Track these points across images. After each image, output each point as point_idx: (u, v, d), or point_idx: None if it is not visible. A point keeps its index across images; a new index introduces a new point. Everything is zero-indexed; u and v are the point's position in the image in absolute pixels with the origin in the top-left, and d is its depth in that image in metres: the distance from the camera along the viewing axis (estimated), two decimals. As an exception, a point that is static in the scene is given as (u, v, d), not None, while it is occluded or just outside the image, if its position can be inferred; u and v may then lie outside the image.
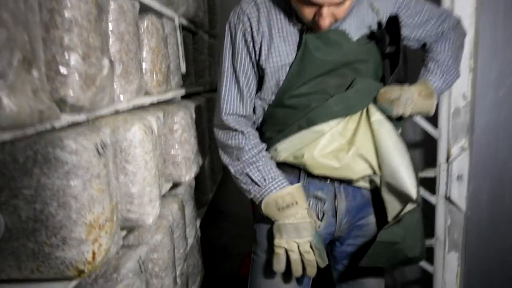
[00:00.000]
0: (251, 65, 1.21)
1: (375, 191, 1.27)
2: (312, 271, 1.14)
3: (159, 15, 1.47)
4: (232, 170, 1.21)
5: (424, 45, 1.31)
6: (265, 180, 1.17)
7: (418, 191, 1.17)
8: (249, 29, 1.18)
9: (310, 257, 1.12)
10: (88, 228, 0.79)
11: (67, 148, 0.74)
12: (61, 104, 0.76)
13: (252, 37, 1.18)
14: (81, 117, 0.85)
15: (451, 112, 1.75)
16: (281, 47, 1.17)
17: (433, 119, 1.78)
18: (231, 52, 1.21)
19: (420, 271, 2.05)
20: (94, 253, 0.80)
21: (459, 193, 1.79)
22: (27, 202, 0.74)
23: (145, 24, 1.29)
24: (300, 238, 1.12)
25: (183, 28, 1.90)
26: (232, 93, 1.21)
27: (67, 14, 0.74)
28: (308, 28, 1.15)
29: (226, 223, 2.99)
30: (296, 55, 1.16)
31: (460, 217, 1.81)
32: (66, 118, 0.79)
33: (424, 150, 2.00)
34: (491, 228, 1.77)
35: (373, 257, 1.16)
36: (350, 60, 1.17)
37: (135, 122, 1.01)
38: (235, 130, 1.19)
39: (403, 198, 1.18)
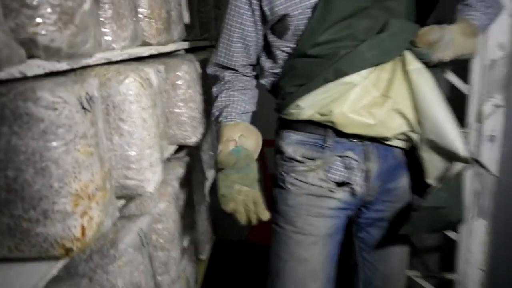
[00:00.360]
0: (251, 15, 1.08)
1: (408, 152, 1.15)
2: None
3: (157, -46, 1.28)
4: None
5: None
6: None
7: (466, 148, 1.04)
8: None
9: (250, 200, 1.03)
10: (75, 198, 0.65)
11: (41, 102, 0.59)
12: (32, 46, 0.60)
13: None
14: (62, 66, 0.69)
15: (485, 64, 1.57)
16: None
17: (463, 73, 1.60)
18: (231, 2, 1.09)
19: (441, 238, 1.93)
20: (83, 228, 0.67)
21: (491, 155, 1.63)
22: (-5, 168, 0.60)
23: (140, -40, 1.11)
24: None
25: (185, -27, 1.70)
26: (227, 44, 1.13)
27: None
28: None
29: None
30: None
31: (490, 181, 1.67)
32: (42, 65, 0.64)
33: (451, 107, 1.83)
34: (525, 193, 1.63)
35: (416, 224, 1.06)
36: None
37: (129, 73, 0.86)
38: (217, 78, 1.18)
39: (449, 156, 1.05)
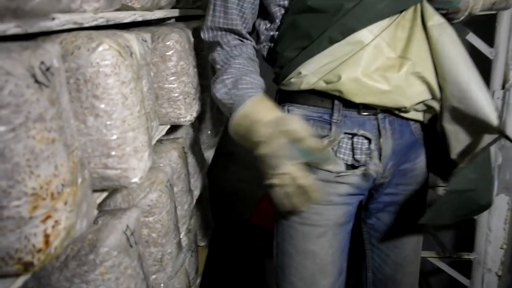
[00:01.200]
0: None
1: (426, 126, 1.00)
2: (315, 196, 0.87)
3: None
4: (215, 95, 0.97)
5: None
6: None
7: (498, 116, 0.90)
8: None
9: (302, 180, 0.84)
10: (32, 199, 0.50)
11: (-27, 74, 0.44)
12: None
13: None
14: (9, 28, 0.53)
15: (512, 25, 1.41)
16: None
17: (488, 36, 1.44)
18: None
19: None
20: (46, 236, 0.52)
21: (517, 125, 1.49)
22: None
23: None
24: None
25: None
26: (223, 2, 0.99)
27: None
28: None
29: (235, 165, 2.75)
30: None
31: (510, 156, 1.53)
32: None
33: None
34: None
35: (439, 211, 0.92)
36: None
37: (103, 39, 0.69)
38: (216, 44, 1.03)
39: (478, 126, 0.91)
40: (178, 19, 1.48)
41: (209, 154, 1.78)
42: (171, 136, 1.29)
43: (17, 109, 0.48)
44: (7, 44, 0.51)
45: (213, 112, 1.82)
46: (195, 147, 1.47)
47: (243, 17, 1.00)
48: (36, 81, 0.50)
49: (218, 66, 1.01)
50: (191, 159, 1.37)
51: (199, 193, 1.46)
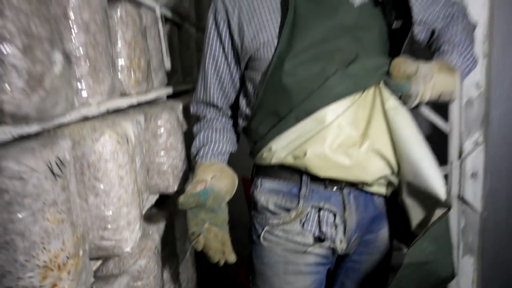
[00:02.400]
0: (222, 51, 1.10)
1: (389, 199, 1.09)
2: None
3: (137, 4, 1.29)
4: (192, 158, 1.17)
5: (432, 34, 1.14)
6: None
7: (447, 191, 0.97)
8: (222, 12, 1.06)
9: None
10: (43, 271, 0.61)
11: (6, 172, 0.57)
12: (-3, 113, 0.58)
13: (227, 16, 1.05)
14: (32, 129, 0.67)
15: (463, 103, 1.60)
16: (265, 12, 1.01)
17: (443, 112, 1.63)
18: (206, 38, 1.12)
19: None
20: (52, 302, 0.63)
21: (474, 192, 1.64)
22: (-45, 245, 0.56)
23: (118, 13, 1.11)
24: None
25: (167, 20, 1.72)
26: (204, 79, 1.15)
27: (-2, -6, 0.56)
28: None
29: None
30: (285, 21, 0.97)
31: (475, 218, 1.66)
32: (9, 131, 0.61)
33: (432, 146, 1.84)
34: (510, 230, 1.62)
35: (401, 284, 0.96)
36: (349, 24, 0.98)
37: (105, 130, 0.83)
38: (198, 117, 1.20)
39: (429, 200, 0.98)
40: (169, 95, 1.65)
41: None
42: (160, 205, 1.40)
43: (37, 197, 0.60)
44: (30, 143, 0.65)
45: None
46: (181, 212, 1.57)
47: (224, 92, 1.15)
48: (53, 173, 0.63)
49: (194, 134, 1.20)
50: (177, 224, 1.47)
51: (185, 256, 1.55)
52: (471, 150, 1.61)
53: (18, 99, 0.58)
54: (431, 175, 0.96)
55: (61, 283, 0.64)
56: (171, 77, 1.71)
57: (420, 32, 1.12)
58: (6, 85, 0.57)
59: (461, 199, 1.66)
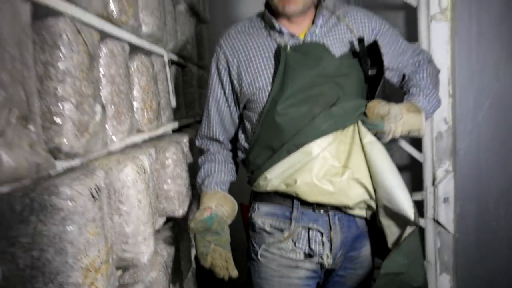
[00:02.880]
0: (223, 94, 1.30)
1: (370, 221, 1.27)
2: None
3: (149, 53, 1.52)
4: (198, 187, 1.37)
5: (403, 77, 1.35)
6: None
7: (415, 212, 1.15)
8: (223, 61, 1.27)
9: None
10: (85, 272, 0.80)
11: (62, 195, 0.76)
12: (56, 152, 0.78)
13: (228, 66, 1.26)
14: (75, 162, 0.88)
15: (434, 136, 1.81)
16: (260, 62, 1.23)
17: (418, 144, 1.83)
18: (209, 82, 1.33)
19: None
20: (90, 297, 0.81)
21: (447, 215, 1.83)
22: (24, 250, 0.75)
23: (135, 64, 1.33)
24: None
25: (172, 62, 1.95)
26: (207, 118, 1.35)
27: (61, 66, 0.77)
28: (285, 44, 1.19)
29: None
30: (277, 70, 1.18)
31: (449, 239, 1.85)
32: (61, 165, 0.81)
33: (411, 173, 2.05)
34: (479, 250, 1.80)
35: None
36: (331, 72, 1.18)
37: (127, 162, 1.04)
38: (202, 150, 1.40)
39: (402, 221, 1.16)
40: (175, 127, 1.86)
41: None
42: (166, 226, 1.58)
43: (82, 215, 0.80)
44: (76, 173, 0.85)
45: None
46: (185, 235, 1.75)
47: (225, 129, 1.36)
48: (93, 196, 0.83)
49: (199, 165, 1.40)
50: (181, 245, 1.65)
51: (187, 275, 1.72)
52: (443, 178, 1.81)
53: (71, 142, 0.79)
54: (403, 199, 1.15)
55: (97, 282, 0.83)
56: (176, 113, 1.92)
57: (393, 77, 1.34)
58: (64, 132, 0.78)
59: (436, 221, 1.85)
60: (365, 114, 1.19)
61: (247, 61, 1.25)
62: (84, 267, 0.80)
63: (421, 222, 1.89)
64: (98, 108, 0.87)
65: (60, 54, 0.77)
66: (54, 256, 0.77)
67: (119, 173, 1.01)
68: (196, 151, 1.97)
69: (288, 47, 1.19)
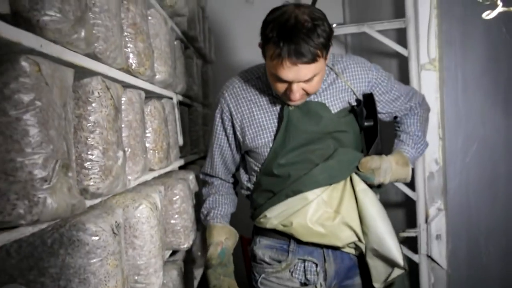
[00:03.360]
0: (225, 139, 1.42)
1: (359, 256, 1.37)
2: None
3: (160, 97, 1.66)
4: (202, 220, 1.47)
5: (395, 117, 1.48)
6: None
7: (404, 258, 1.27)
8: (227, 113, 1.38)
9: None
10: (104, 301, 0.89)
11: (88, 231, 0.87)
12: (84, 192, 0.89)
13: (231, 116, 1.36)
14: (98, 201, 0.99)
15: (426, 176, 1.92)
16: (263, 121, 1.33)
17: (411, 183, 1.94)
18: (214, 129, 1.43)
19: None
20: (107, 324, 0.90)
21: (439, 251, 1.91)
22: (52, 280, 0.85)
23: (149, 109, 1.46)
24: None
25: (180, 103, 2.08)
26: (211, 159, 1.48)
27: (91, 118, 0.90)
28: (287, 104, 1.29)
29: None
30: (279, 126, 1.29)
31: (442, 274, 1.92)
32: (88, 203, 0.92)
33: (405, 211, 2.14)
34: (471, 285, 1.88)
35: None
36: (330, 129, 1.30)
37: (142, 200, 1.15)
38: (206, 182, 1.52)
39: (389, 263, 1.27)
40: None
41: (197, 273, 2.13)
42: (172, 258, 1.67)
43: (104, 249, 0.90)
44: (98, 210, 0.96)
45: (202, 236, 2.22)
46: (189, 266, 1.84)
47: (227, 168, 1.48)
48: (113, 232, 0.93)
49: (204, 198, 1.51)
50: (185, 277, 1.73)
51: (189, 307, 1.79)
52: (435, 215, 1.91)
53: (98, 184, 0.90)
54: (392, 246, 1.27)
55: (114, 311, 0.92)
56: (182, 149, 2.04)
57: (385, 118, 1.47)
58: (92, 175, 0.89)
59: (430, 257, 1.93)
60: (357, 167, 1.32)
61: (251, 117, 1.34)
62: (104, 296, 0.89)
63: (415, 258, 1.97)
64: (120, 154, 0.99)
65: (92, 109, 0.89)
66: (78, 286, 0.86)
67: (134, 211, 1.12)
68: (201, 187, 2.09)
69: (291, 106, 1.28)
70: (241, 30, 3.17)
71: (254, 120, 1.34)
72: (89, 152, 0.89)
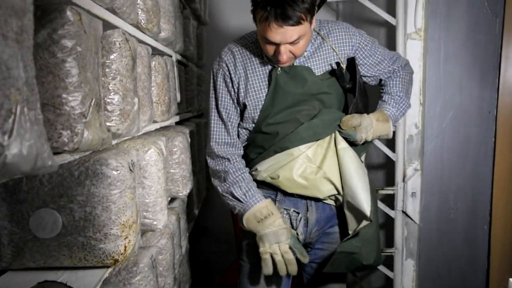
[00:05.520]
0: (231, 101, 1.46)
1: (339, 207, 1.52)
2: (293, 269, 1.36)
3: (162, 54, 1.75)
4: (220, 190, 1.44)
5: (380, 80, 1.61)
6: (246, 196, 1.40)
7: (371, 211, 1.40)
8: (227, 73, 1.45)
9: (289, 256, 1.35)
10: (122, 227, 1.03)
11: (110, 166, 1.00)
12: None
13: (231, 78, 1.44)
14: (115, 141, 1.11)
15: (405, 138, 2.08)
16: (255, 83, 1.42)
17: (392, 144, 2.10)
18: (214, 93, 1.47)
19: (383, 278, 2.34)
20: (125, 247, 1.04)
21: (413, 207, 2.10)
22: (79, 206, 0.98)
23: (153, 63, 1.56)
24: (280, 242, 1.35)
25: (178, 62, 2.17)
26: (219, 126, 1.47)
27: (113, 66, 1.00)
28: (276, 67, 1.38)
29: (208, 239, 3.22)
30: (269, 89, 1.40)
31: (414, 228, 2.12)
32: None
33: (385, 170, 2.32)
34: (439, 238, 2.09)
35: (335, 264, 1.41)
36: (314, 91, 1.40)
37: (151, 145, 1.27)
38: (222, 157, 1.44)
39: (360, 215, 1.42)
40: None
41: (190, 225, 2.29)
42: (170, 206, 1.81)
43: (123, 182, 1.03)
44: (117, 150, 1.08)
45: (195, 191, 2.37)
46: (183, 215, 1.99)
47: (235, 130, 1.49)
48: (130, 169, 1.06)
49: (219, 173, 1.45)
50: (181, 223, 1.89)
51: (183, 251, 1.95)
52: (412, 175, 2.09)
53: (118, 125, 1.02)
54: (363, 199, 1.40)
55: (129, 236, 1.06)
56: (178, 107, 2.15)
57: (371, 82, 1.58)
58: (113, 117, 1.01)
59: (404, 213, 2.12)
60: (340, 126, 1.44)
61: (246, 79, 1.44)
62: (122, 223, 1.03)
63: (392, 213, 2.16)
64: (136, 100, 1.10)
65: (114, 57, 1.00)
66: (102, 212, 1.00)
67: (144, 154, 1.25)
68: (196, 142, 2.22)
69: (279, 69, 1.39)
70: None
71: (249, 82, 1.43)
72: (110, 96, 1.00)
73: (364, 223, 1.42)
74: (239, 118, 1.49)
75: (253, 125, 1.46)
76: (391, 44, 2.11)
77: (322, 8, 2.32)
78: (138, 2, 1.32)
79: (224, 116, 1.46)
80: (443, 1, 1.90)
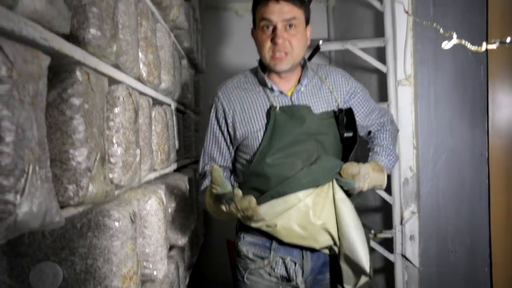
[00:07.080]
0: (222, 137, 1.50)
1: (332, 255, 1.50)
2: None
3: (162, 103, 1.80)
4: (200, 200, 1.47)
5: (369, 132, 1.65)
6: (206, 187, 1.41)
7: (371, 266, 1.40)
8: (221, 111, 1.48)
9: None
10: (123, 279, 1.03)
11: (112, 217, 1.01)
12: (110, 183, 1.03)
13: (225, 115, 1.47)
14: (118, 192, 1.12)
15: (401, 182, 2.11)
16: (252, 115, 1.44)
17: (388, 188, 2.12)
18: (209, 127, 1.53)
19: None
20: (125, 300, 1.03)
21: (412, 251, 2.10)
22: (81, 258, 0.98)
23: (153, 113, 1.61)
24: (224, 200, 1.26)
25: (176, 110, 2.23)
26: (207, 153, 1.53)
27: (117, 119, 1.04)
28: (275, 105, 1.42)
29: (207, 286, 3.16)
30: (267, 126, 1.41)
31: (415, 272, 2.10)
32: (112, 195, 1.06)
33: (382, 214, 2.33)
34: (440, 282, 2.06)
35: None
36: (313, 131, 1.41)
37: (151, 195, 1.29)
38: (205, 173, 1.50)
39: (358, 269, 1.41)
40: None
41: (189, 272, 2.25)
42: (168, 254, 1.80)
43: (124, 233, 1.03)
44: (118, 200, 1.09)
45: (193, 237, 2.35)
46: (182, 263, 1.96)
47: (223, 155, 1.52)
48: (131, 220, 1.07)
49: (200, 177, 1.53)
50: (180, 272, 1.86)
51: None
52: (409, 218, 2.10)
53: (120, 176, 1.04)
54: (362, 254, 1.39)
55: (130, 288, 1.05)
56: (177, 153, 2.18)
57: (360, 132, 1.63)
58: (116, 169, 1.03)
59: (404, 256, 2.11)
60: (339, 173, 1.43)
61: (242, 112, 1.46)
62: (123, 274, 1.03)
63: (391, 257, 2.15)
64: (138, 152, 1.13)
65: (117, 111, 1.04)
66: (103, 264, 1.00)
67: (145, 204, 1.26)
68: (194, 189, 2.23)
69: (278, 108, 1.42)
70: (231, 41, 3.36)
71: (245, 115, 1.45)
72: (114, 149, 1.03)
73: (363, 279, 1.41)
74: (230, 152, 1.52)
75: (249, 165, 1.44)
76: (383, 89, 2.19)
77: (315, 56, 2.42)
78: (140, 56, 1.38)
79: (213, 147, 1.52)
80: (430, 49, 1.99)
